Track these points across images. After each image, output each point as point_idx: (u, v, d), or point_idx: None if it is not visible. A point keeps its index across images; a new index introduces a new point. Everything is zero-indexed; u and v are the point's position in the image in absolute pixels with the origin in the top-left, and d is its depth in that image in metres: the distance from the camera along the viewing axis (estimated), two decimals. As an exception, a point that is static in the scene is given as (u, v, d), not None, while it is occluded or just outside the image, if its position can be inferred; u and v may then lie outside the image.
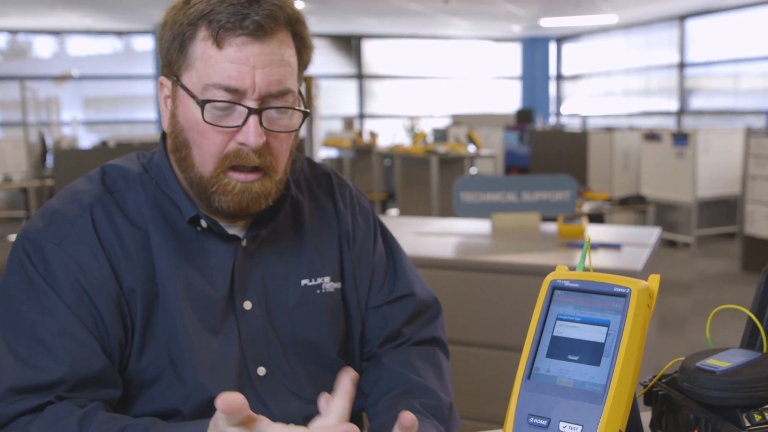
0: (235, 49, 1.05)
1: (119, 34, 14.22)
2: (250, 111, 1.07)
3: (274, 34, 1.07)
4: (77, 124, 12.38)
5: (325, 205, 1.32)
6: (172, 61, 1.10)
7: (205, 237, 1.17)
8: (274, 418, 1.13)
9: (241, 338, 1.17)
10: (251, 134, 1.07)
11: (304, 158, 1.36)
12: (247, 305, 1.18)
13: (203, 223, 1.16)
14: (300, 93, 1.16)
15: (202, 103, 1.07)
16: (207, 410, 1.11)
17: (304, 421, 1.16)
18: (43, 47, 14.19)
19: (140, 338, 1.11)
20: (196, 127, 1.09)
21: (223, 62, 1.05)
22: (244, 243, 1.19)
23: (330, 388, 1.22)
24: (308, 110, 1.14)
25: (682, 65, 13.09)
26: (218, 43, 1.05)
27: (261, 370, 1.17)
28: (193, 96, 1.08)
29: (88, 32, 13.83)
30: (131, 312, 1.11)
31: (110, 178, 1.18)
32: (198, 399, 1.12)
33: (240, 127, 1.08)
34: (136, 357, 1.11)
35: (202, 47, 1.06)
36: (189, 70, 1.08)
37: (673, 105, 13.27)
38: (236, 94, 1.06)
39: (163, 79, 1.14)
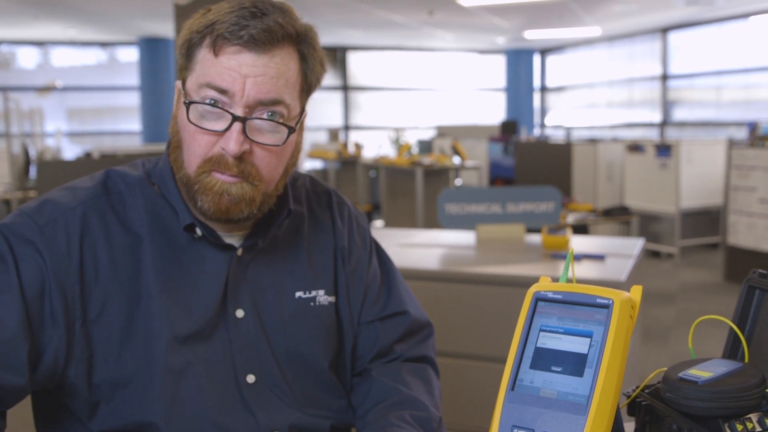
0: (229, 57, 1.08)
1: (104, 45, 14.18)
2: (234, 118, 1.08)
3: (270, 48, 1.09)
4: (61, 135, 12.33)
5: (323, 220, 1.34)
6: (181, 65, 1.14)
7: (201, 244, 1.18)
8: (260, 426, 1.14)
9: (232, 346, 1.17)
10: (232, 141, 1.08)
11: (308, 176, 1.39)
12: (240, 313, 1.19)
13: (198, 231, 1.17)
14: (302, 113, 1.17)
15: (187, 104, 1.10)
16: (182, 417, 1.12)
17: (290, 428, 1.17)
18: (26, 58, 14.13)
19: (118, 340, 1.11)
20: (186, 128, 1.12)
21: (218, 66, 1.09)
22: (239, 252, 1.20)
23: (319, 400, 1.23)
24: (293, 126, 1.14)
25: (664, 77, 13.20)
26: (215, 50, 1.09)
27: (250, 378, 1.18)
28: (185, 96, 1.12)
29: (72, 43, 13.79)
30: (86, 315, 1.10)
31: (112, 180, 1.20)
32: (175, 405, 1.12)
33: (222, 132, 1.09)
34: (114, 358, 1.11)
35: (203, 53, 1.10)
36: (191, 73, 1.12)
37: (656, 116, 13.37)
38: (226, 96, 1.09)
39: (177, 83, 1.17)
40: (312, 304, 1.25)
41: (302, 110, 1.17)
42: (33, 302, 1.06)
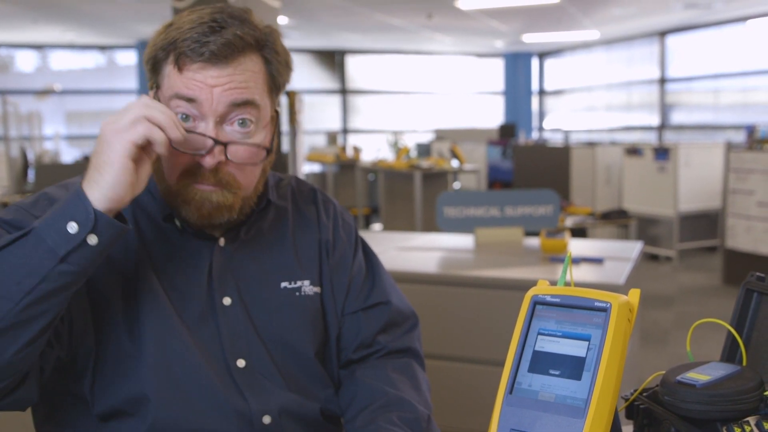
0: (193, 73, 1.12)
1: (102, 48, 14.18)
2: (216, 142, 1.12)
3: (233, 59, 1.12)
4: (59, 138, 12.32)
5: (308, 215, 1.37)
6: (150, 80, 1.18)
7: (184, 236, 1.22)
8: (251, 408, 1.17)
9: (221, 331, 1.20)
10: (207, 157, 1.12)
11: (293, 177, 1.43)
12: (227, 301, 1.22)
13: (177, 223, 1.21)
14: (276, 114, 1.22)
15: None
16: (174, 398, 1.14)
17: (281, 410, 1.19)
18: (25, 61, 14.13)
19: (113, 324, 1.15)
20: None
21: (184, 79, 1.12)
22: (221, 242, 1.24)
23: (306, 388, 1.25)
24: (270, 148, 1.18)
25: (662, 80, 13.21)
26: (179, 68, 1.12)
27: (240, 362, 1.20)
28: None
29: (70, 47, 13.79)
30: (94, 302, 1.14)
31: None
32: (167, 387, 1.14)
33: (203, 155, 1.12)
34: (109, 343, 1.14)
35: (168, 69, 1.14)
36: (159, 88, 1.16)
37: (654, 120, 13.38)
38: (195, 106, 1.11)
39: (150, 93, 1.20)
40: (297, 294, 1.28)
41: (274, 110, 1.22)
42: None
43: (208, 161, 1.11)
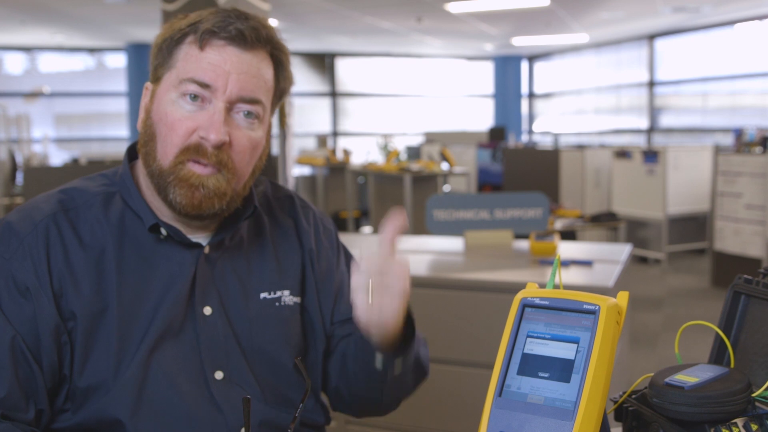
0: (215, 51, 1.13)
1: (91, 51, 14.12)
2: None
3: (254, 47, 1.15)
4: (48, 141, 12.26)
5: (286, 224, 1.34)
6: (158, 65, 1.17)
7: (167, 245, 1.19)
8: (228, 421, 1.15)
9: (200, 342, 1.18)
10: (213, 127, 1.11)
11: (268, 181, 1.40)
12: (207, 310, 1.20)
13: (163, 231, 1.18)
14: (271, 120, 1.23)
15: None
16: (150, 415, 1.12)
17: (260, 425, 1.17)
18: (13, 64, 14.05)
19: (81, 357, 1.12)
20: (164, 119, 1.14)
21: (202, 61, 1.13)
22: (206, 250, 1.22)
23: (285, 398, 1.24)
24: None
25: (651, 84, 13.26)
26: (201, 45, 1.13)
27: (218, 374, 1.18)
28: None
29: (59, 49, 13.73)
30: (71, 337, 1.12)
31: (68, 196, 1.20)
32: (142, 403, 1.12)
33: (204, 120, 1.12)
34: (77, 374, 1.12)
35: (186, 49, 1.14)
36: (170, 70, 1.15)
37: (643, 123, 13.43)
38: (208, 91, 1.13)
39: (147, 84, 1.19)
40: (277, 304, 1.26)
41: (270, 118, 1.23)
42: (24, 333, 1.09)
43: (213, 137, 1.11)
